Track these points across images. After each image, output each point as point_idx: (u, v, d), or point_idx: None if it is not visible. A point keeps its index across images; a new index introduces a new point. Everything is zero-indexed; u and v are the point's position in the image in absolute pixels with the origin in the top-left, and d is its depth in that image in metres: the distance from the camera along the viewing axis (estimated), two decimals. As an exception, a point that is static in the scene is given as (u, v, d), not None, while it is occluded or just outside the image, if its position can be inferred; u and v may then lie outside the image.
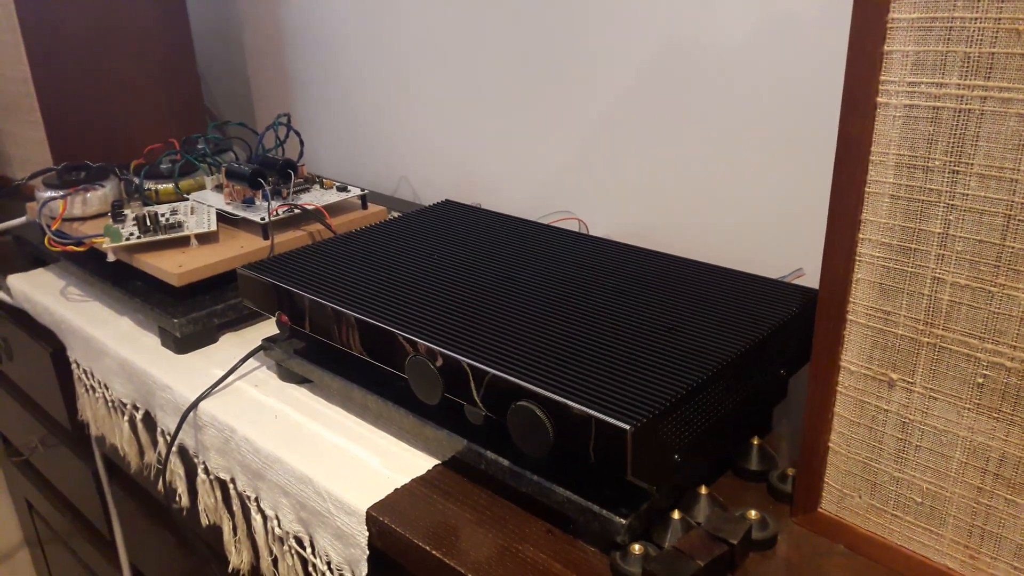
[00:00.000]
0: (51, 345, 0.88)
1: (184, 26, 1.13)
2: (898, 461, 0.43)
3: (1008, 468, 0.39)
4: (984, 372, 0.38)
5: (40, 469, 1.15)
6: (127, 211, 0.82)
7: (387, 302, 0.58)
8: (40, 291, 0.86)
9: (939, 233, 0.38)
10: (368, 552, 0.52)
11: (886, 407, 0.43)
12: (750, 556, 0.46)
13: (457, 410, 0.53)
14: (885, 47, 0.37)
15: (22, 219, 0.97)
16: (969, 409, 0.40)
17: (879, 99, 0.38)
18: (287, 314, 0.62)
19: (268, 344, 0.66)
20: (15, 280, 0.89)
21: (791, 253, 0.72)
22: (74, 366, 0.83)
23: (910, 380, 0.41)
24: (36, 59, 1.00)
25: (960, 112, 0.36)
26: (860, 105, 0.39)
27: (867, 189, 0.40)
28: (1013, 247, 0.36)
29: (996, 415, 0.39)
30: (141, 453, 0.77)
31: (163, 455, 0.71)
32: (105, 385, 0.78)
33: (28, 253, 0.93)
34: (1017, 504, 0.39)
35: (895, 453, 0.43)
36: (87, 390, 0.82)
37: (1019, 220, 0.35)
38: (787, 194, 0.72)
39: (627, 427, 0.42)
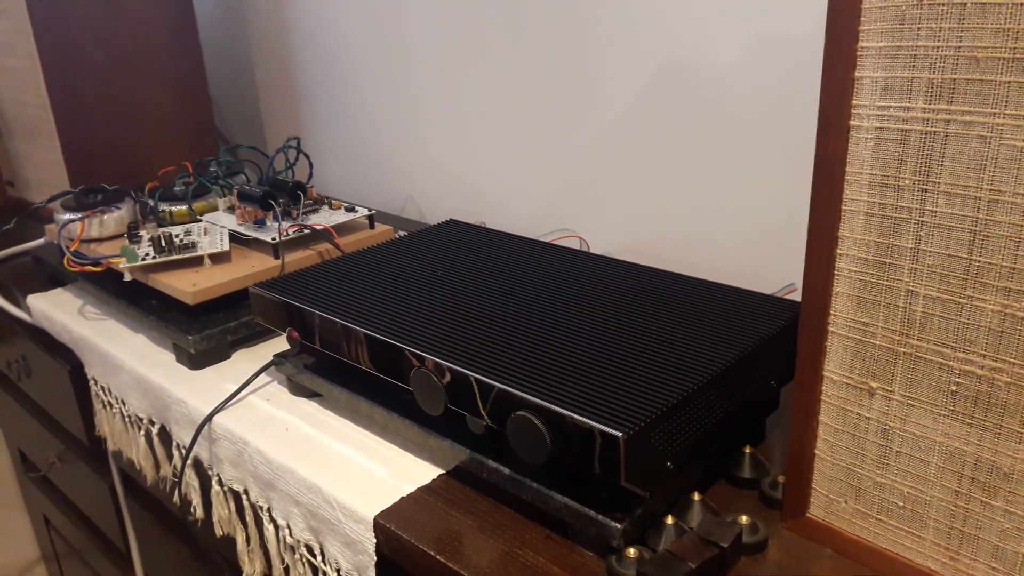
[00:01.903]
0: (69, 363, 0.91)
1: (196, 52, 1.17)
2: (880, 467, 0.45)
3: (983, 472, 0.41)
4: (957, 380, 0.40)
5: (57, 485, 1.18)
6: (143, 232, 0.85)
7: (393, 318, 0.60)
8: (59, 310, 0.88)
9: (911, 248, 0.40)
10: (376, 558, 0.54)
11: (867, 415, 0.45)
12: (741, 560, 0.48)
13: (460, 421, 0.55)
14: (856, 73, 0.39)
15: (40, 241, 1.00)
16: (944, 416, 0.42)
17: (852, 122, 0.40)
18: (297, 330, 0.65)
19: (279, 359, 0.69)
20: (35, 300, 0.92)
21: (785, 268, 0.74)
22: (92, 383, 0.85)
23: (889, 388, 0.43)
24: (54, 85, 1.03)
25: (926, 134, 0.38)
26: (835, 127, 0.41)
27: (843, 207, 0.42)
28: (979, 261, 0.38)
29: (969, 421, 0.41)
30: (157, 467, 0.79)
31: (178, 468, 0.73)
32: (122, 401, 0.80)
33: (47, 273, 0.96)
34: (992, 506, 0.41)
35: (877, 459, 0.45)
36: (104, 406, 0.84)
37: (984, 235, 0.38)
38: (781, 211, 0.75)
39: (620, 434, 0.44)
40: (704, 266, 0.80)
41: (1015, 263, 0.37)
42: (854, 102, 0.40)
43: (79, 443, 1.00)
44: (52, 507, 1.22)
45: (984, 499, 0.41)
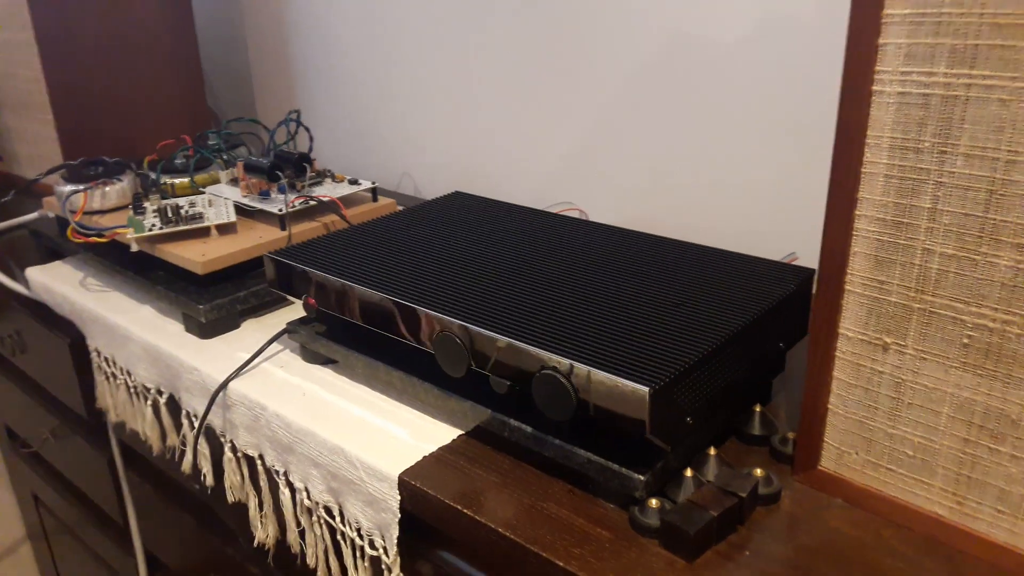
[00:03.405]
0: (68, 335, 0.91)
1: (189, 27, 1.17)
2: (891, 418, 0.47)
3: (991, 420, 0.43)
4: (969, 333, 0.43)
5: (50, 461, 1.17)
6: (147, 204, 0.85)
7: (411, 284, 0.61)
8: (59, 282, 0.88)
9: (928, 208, 0.42)
10: (399, 515, 0.55)
11: (881, 369, 0.47)
12: (756, 510, 0.50)
13: (479, 382, 0.57)
14: (880, 40, 0.41)
15: (35, 214, 0.99)
16: (956, 367, 0.44)
17: (874, 87, 0.42)
18: (314, 297, 0.66)
19: (293, 327, 0.69)
20: (33, 272, 0.91)
21: (784, 239, 0.76)
22: (94, 355, 0.85)
23: (903, 343, 0.46)
24: (48, 59, 1.03)
25: (947, 98, 0.40)
26: (858, 93, 0.43)
27: (863, 169, 0.44)
28: (995, 219, 0.40)
29: (980, 372, 0.43)
30: (164, 437, 0.79)
31: (188, 437, 0.74)
32: (128, 371, 0.81)
33: (44, 247, 0.96)
34: (999, 452, 0.44)
35: (889, 411, 0.47)
36: (108, 378, 0.85)
37: (1000, 195, 0.40)
38: (782, 184, 0.77)
39: (647, 388, 0.46)
40: (705, 238, 0.82)
41: (1029, 220, 0.39)
42: (877, 68, 0.42)
43: (76, 417, 1.00)
44: (42, 484, 1.21)
45: (992, 446, 0.44)
